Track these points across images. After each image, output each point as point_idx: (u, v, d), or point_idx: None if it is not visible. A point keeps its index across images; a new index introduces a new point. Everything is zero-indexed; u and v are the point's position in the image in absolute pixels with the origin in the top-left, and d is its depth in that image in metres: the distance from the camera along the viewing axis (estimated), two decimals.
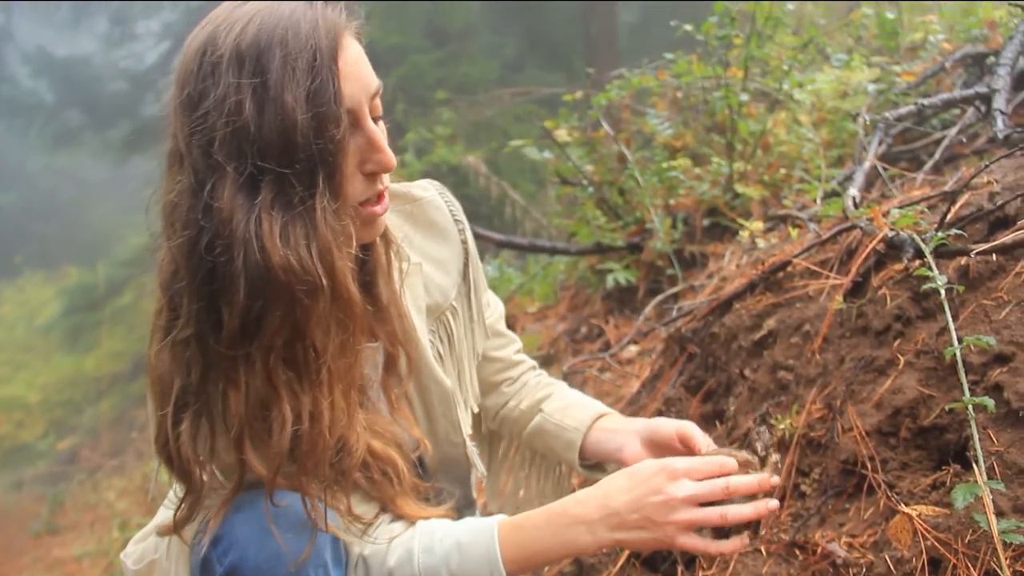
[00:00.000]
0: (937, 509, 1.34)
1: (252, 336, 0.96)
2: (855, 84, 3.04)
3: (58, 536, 6.35)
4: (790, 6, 3.26)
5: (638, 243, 3.19)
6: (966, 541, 1.26)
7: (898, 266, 1.70)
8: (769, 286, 2.07)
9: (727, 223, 2.96)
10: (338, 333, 1.02)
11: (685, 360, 2.23)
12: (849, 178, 2.40)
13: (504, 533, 1.14)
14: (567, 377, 2.92)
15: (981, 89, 2.33)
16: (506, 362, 1.51)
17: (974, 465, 1.26)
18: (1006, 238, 1.53)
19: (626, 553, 1.75)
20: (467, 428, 1.36)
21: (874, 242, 1.77)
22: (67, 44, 13.55)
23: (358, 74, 1.03)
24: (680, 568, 1.66)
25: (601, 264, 3.33)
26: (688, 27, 3.10)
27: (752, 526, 1.22)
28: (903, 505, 1.37)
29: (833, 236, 2.00)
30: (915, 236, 1.63)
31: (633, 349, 2.79)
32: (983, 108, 2.34)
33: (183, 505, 1.05)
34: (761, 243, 2.50)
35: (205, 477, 1.03)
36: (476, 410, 1.44)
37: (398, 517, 1.19)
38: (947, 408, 1.42)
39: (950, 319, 1.39)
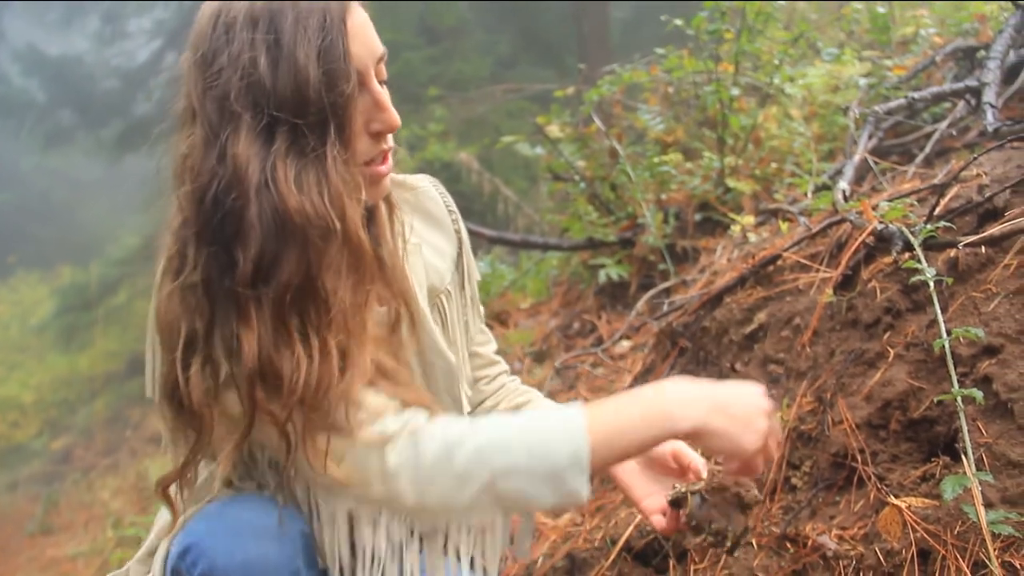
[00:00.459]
0: (927, 501, 1.34)
1: (267, 279, 0.98)
2: (846, 78, 3.05)
3: (52, 536, 6.32)
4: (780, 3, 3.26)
5: (630, 238, 3.19)
6: (955, 532, 1.26)
7: (888, 259, 1.70)
8: (760, 280, 2.08)
9: (719, 217, 2.96)
10: (349, 275, 1.04)
11: (677, 354, 2.24)
12: (840, 172, 2.40)
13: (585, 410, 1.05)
14: (560, 372, 2.92)
15: (971, 83, 2.34)
16: (485, 359, 1.50)
17: (963, 457, 1.27)
18: (995, 230, 1.54)
19: (618, 547, 1.75)
20: (468, 407, 1.36)
21: (864, 235, 1.77)
22: (59, 43, 13.50)
23: (365, 37, 1.07)
24: (672, 562, 1.67)
25: (593, 259, 3.33)
26: (679, 22, 3.10)
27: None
28: (893, 497, 1.38)
29: (823, 230, 2.00)
30: (904, 229, 1.63)
31: (625, 344, 2.79)
32: (973, 101, 2.35)
33: (190, 455, 1.04)
34: (752, 237, 2.50)
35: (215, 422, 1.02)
36: (469, 394, 1.43)
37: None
38: (936, 400, 1.42)
39: (939, 311, 1.40)
